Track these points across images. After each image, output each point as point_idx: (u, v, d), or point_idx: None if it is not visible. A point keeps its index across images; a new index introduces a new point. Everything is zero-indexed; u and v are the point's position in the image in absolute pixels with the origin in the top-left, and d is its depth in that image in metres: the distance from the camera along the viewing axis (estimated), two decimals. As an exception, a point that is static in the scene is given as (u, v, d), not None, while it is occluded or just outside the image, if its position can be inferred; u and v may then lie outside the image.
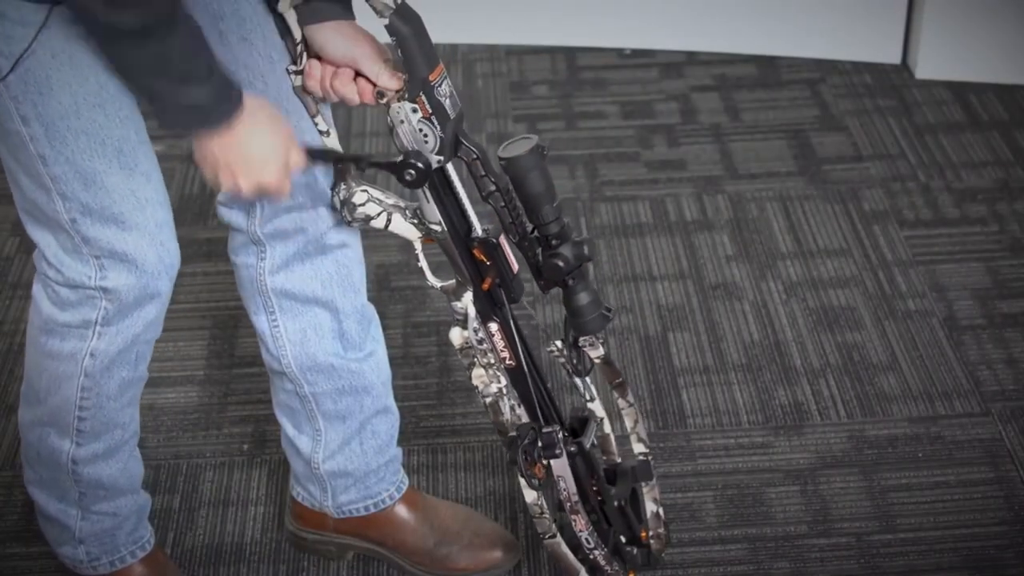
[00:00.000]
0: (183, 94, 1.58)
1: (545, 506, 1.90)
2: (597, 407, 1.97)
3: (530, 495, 1.88)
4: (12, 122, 1.64)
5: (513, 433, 1.84)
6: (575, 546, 1.97)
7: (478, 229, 1.82)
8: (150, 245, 1.72)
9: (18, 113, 1.63)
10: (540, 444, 1.85)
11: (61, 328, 1.79)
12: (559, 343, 1.90)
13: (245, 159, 1.66)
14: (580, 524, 1.94)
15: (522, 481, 1.86)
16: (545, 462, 1.88)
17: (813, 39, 3.44)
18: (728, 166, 3.07)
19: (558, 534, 1.94)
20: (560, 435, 1.86)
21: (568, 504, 1.92)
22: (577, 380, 1.93)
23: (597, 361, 1.92)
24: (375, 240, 2.65)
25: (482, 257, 1.83)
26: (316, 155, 1.79)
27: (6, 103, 1.63)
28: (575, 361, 1.91)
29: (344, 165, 1.82)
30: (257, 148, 1.66)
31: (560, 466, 1.89)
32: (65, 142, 1.64)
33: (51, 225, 1.72)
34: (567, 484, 1.91)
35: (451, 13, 3.44)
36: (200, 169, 1.69)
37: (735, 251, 2.81)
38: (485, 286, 1.85)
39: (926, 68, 3.35)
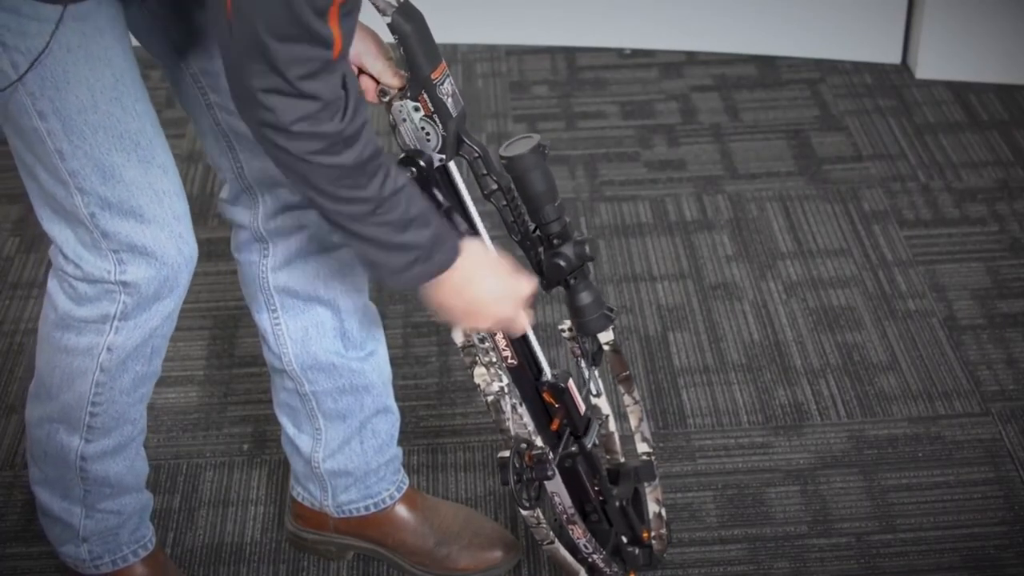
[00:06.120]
0: (403, 237, 1.62)
1: (541, 516, 1.90)
2: (603, 403, 1.96)
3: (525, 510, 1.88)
4: (29, 118, 1.63)
5: (506, 453, 1.84)
6: (574, 548, 1.97)
7: (548, 374, 1.87)
8: (169, 238, 1.72)
9: (35, 108, 1.62)
10: (531, 467, 1.85)
11: (78, 323, 1.78)
12: (569, 322, 1.90)
13: (473, 302, 1.72)
14: (578, 533, 1.94)
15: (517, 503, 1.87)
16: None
17: (813, 39, 3.44)
18: (728, 166, 3.07)
19: (556, 540, 1.94)
20: (550, 455, 1.86)
21: (564, 516, 1.92)
22: (585, 370, 1.93)
23: (606, 348, 1.91)
24: (375, 240, 2.65)
25: (551, 400, 1.86)
26: None
27: (22, 99, 1.62)
28: (586, 345, 1.90)
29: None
30: (483, 291, 1.72)
31: (554, 484, 1.89)
32: (83, 136, 1.64)
33: (69, 220, 1.72)
34: (562, 499, 1.91)
35: (451, 13, 3.43)
36: (439, 317, 1.75)
37: (735, 251, 2.81)
38: (553, 427, 1.89)
39: (926, 68, 3.35)
